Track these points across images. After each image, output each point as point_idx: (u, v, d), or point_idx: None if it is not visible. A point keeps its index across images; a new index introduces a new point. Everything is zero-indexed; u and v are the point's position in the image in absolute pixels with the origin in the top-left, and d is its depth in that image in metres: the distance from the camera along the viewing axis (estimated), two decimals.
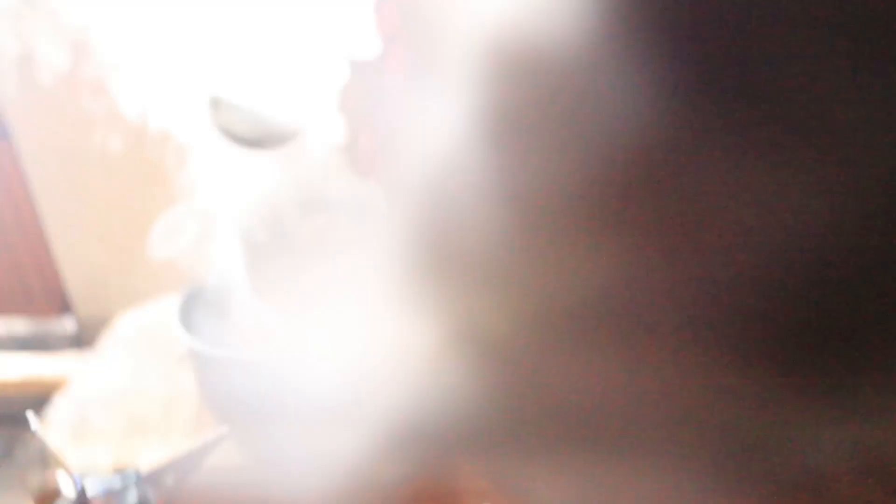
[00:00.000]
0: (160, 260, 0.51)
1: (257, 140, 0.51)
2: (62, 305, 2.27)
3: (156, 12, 0.49)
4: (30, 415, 0.35)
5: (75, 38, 0.48)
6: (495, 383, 0.27)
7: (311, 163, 0.55)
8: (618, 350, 0.22)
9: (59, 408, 0.64)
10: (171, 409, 0.65)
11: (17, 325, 2.33)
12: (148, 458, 0.59)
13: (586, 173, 0.19)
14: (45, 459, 0.32)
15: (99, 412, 0.64)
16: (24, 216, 2.09)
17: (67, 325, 2.36)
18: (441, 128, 0.22)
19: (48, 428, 0.62)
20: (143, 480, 0.29)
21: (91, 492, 0.29)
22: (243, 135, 0.51)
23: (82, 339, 2.40)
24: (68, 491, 0.30)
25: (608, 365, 0.22)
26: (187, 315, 0.66)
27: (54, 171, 1.97)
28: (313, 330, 0.49)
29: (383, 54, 0.50)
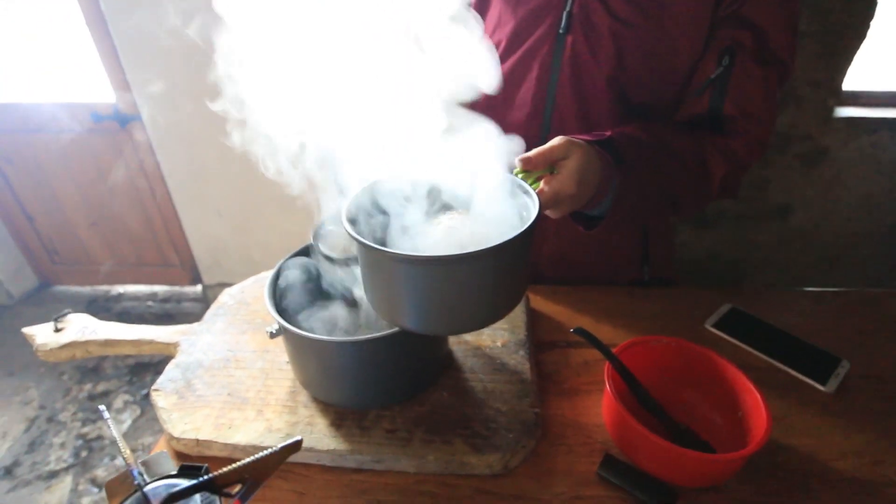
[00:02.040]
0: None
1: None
2: (193, 276, 2.53)
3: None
4: (102, 408, 0.34)
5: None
6: None
7: None
8: None
9: (168, 374, 0.67)
10: (267, 383, 0.65)
11: (158, 291, 2.64)
12: (242, 431, 0.58)
13: None
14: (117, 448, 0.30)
15: (203, 380, 0.65)
16: (160, 195, 2.33)
17: (197, 290, 2.63)
18: None
19: (160, 391, 0.64)
20: (209, 486, 0.25)
21: (154, 496, 0.26)
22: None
23: (209, 302, 2.66)
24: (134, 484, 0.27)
25: None
26: (281, 290, 0.64)
27: (180, 155, 2.16)
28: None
29: None
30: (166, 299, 2.52)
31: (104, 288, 2.58)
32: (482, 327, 0.54)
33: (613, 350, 0.61)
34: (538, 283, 0.88)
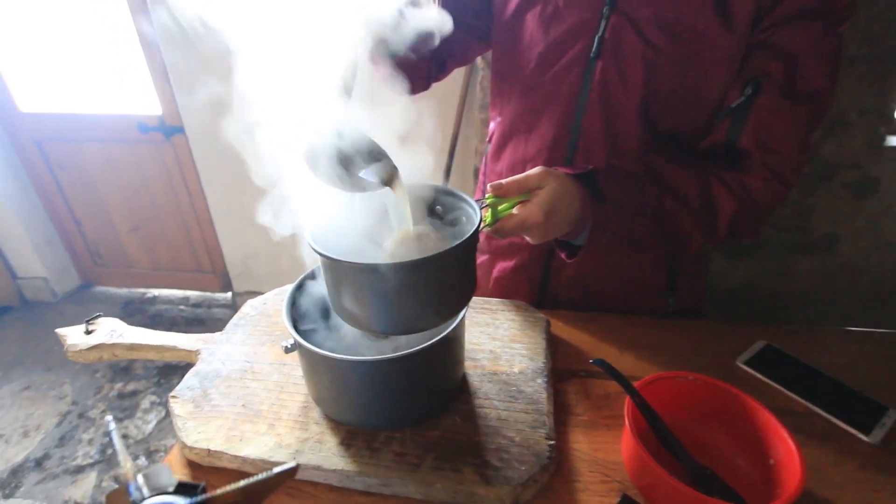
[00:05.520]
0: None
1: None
2: (224, 283, 2.60)
3: None
4: (108, 418, 0.34)
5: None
6: None
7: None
8: None
9: (187, 381, 0.68)
10: (281, 396, 0.65)
11: (190, 296, 2.72)
12: (253, 445, 0.58)
13: None
14: (120, 458, 0.30)
15: (219, 390, 0.66)
16: (198, 204, 2.41)
17: (227, 297, 2.70)
18: None
19: (178, 398, 0.65)
20: None
21: None
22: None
23: (237, 310, 2.71)
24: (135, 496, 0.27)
25: None
26: (301, 304, 0.65)
27: (219, 166, 2.24)
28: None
29: None
30: (197, 304, 2.59)
31: (140, 290, 2.69)
32: (426, 329, 0.55)
33: (635, 384, 0.58)
34: (556, 308, 0.86)
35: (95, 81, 2.16)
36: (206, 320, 2.48)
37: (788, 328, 0.83)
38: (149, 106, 2.13)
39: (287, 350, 0.60)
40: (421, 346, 0.54)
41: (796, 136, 0.65)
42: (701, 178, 0.66)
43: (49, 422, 1.93)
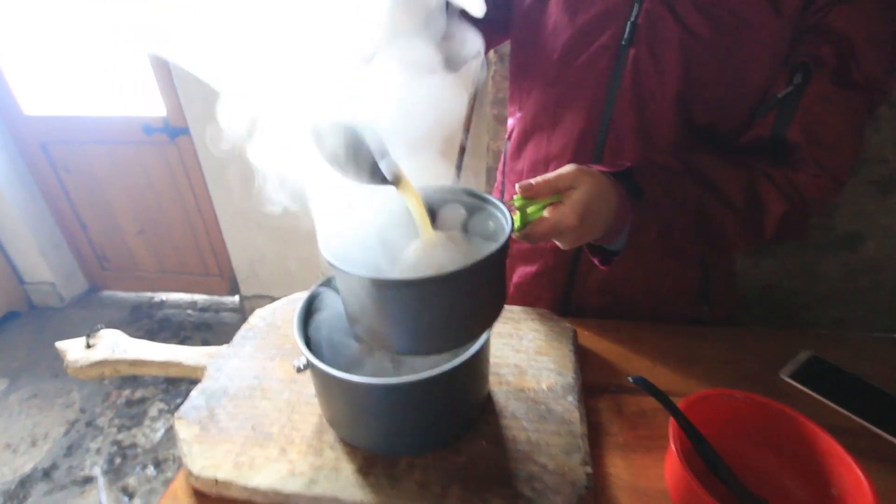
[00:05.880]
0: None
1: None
2: (231, 286, 2.56)
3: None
4: (96, 469, 0.30)
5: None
6: None
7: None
8: None
9: (193, 400, 0.64)
10: (293, 417, 0.60)
11: (198, 300, 2.70)
12: (264, 472, 0.54)
13: None
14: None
15: (226, 410, 0.62)
16: (203, 206, 2.38)
17: (235, 301, 2.67)
18: None
19: (183, 419, 0.61)
20: None
21: None
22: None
23: (244, 313, 2.69)
24: None
25: None
26: (314, 317, 0.60)
27: (222, 166, 2.20)
28: None
29: None
30: (205, 308, 2.56)
31: (148, 294, 2.66)
32: (452, 349, 0.51)
33: (679, 404, 0.53)
34: (583, 316, 0.81)
35: (99, 83, 2.13)
36: (213, 325, 2.45)
37: (832, 335, 0.77)
38: (153, 107, 2.09)
39: (299, 370, 0.55)
40: (446, 367, 0.49)
41: (849, 129, 0.59)
42: (746, 176, 0.61)
43: (57, 430, 1.90)
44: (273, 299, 0.82)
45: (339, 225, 0.48)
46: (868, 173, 1.61)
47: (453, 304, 0.45)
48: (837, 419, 0.62)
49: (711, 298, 0.80)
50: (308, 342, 0.55)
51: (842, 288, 1.84)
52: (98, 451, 1.81)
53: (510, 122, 0.84)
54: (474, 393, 0.58)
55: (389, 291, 0.43)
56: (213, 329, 2.42)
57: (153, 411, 1.97)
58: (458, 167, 1.77)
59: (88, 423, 1.93)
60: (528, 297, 0.85)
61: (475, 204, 0.54)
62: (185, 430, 0.60)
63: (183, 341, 2.34)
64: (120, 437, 1.87)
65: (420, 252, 0.47)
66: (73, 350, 0.73)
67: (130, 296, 2.67)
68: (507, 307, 0.79)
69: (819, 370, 0.68)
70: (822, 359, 0.70)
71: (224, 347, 0.73)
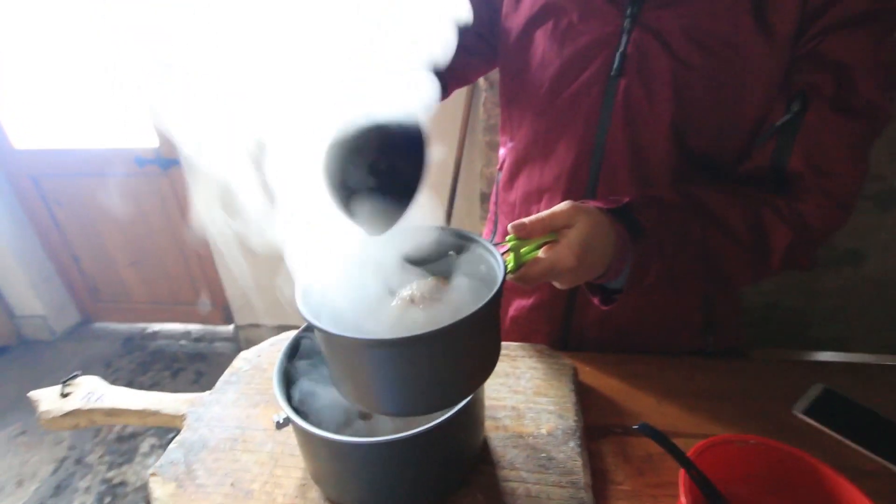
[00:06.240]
0: None
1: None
2: (225, 315, 2.53)
3: None
4: None
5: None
6: None
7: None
8: None
9: (170, 454, 0.60)
10: (276, 472, 0.57)
11: (192, 330, 2.65)
12: None
13: None
14: None
15: (205, 465, 0.58)
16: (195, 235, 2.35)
17: (229, 330, 2.63)
18: None
19: (158, 476, 0.57)
20: None
21: None
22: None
23: (239, 343, 2.63)
24: None
25: None
26: (297, 364, 0.57)
27: (216, 197, 2.19)
28: None
29: None
30: (199, 338, 2.52)
31: (140, 325, 2.61)
32: (443, 409, 0.47)
33: (688, 453, 0.49)
34: (583, 349, 0.78)
35: (90, 115, 2.13)
36: (207, 355, 2.40)
37: (843, 365, 0.74)
38: (144, 139, 2.08)
39: (279, 425, 0.52)
40: (438, 420, 0.45)
41: (852, 155, 0.57)
42: (749, 207, 0.58)
43: (45, 469, 1.84)
44: (268, 328, 0.79)
45: (319, 275, 0.46)
46: (866, 190, 1.59)
47: (443, 362, 0.41)
48: (856, 459, 0.58)
49: (717, 328, 0.77)
50: (292, 389, 0.52)
51: (843, 305, 1.81)
52: (87, 489, 1.74)
53: (502, 151, 0.82)
54: (469, 443, 0.54)
55: (368, 351, 0.40)
56: (207, 359, 2.37)
57: (144, 447, 1.91)
58: (452, 192, 1.75)
59: (77, 461, 1.86)
60: (525, 331, 0.82)
61: (465, 245, 0.51)
62: (160, 488, 0.56)
63: (176, 372, 2.29)
64: (110, 474, 1.80)
65: (406, 305, 0.45)
66: (46, 400, 0.69)
67: (123, 327, 2.62)
68: (502, 343, 0.76)
69: (832, 405, 0.65)
70: (835, 391, 0.67)
71: (206, 394, 0.69)
